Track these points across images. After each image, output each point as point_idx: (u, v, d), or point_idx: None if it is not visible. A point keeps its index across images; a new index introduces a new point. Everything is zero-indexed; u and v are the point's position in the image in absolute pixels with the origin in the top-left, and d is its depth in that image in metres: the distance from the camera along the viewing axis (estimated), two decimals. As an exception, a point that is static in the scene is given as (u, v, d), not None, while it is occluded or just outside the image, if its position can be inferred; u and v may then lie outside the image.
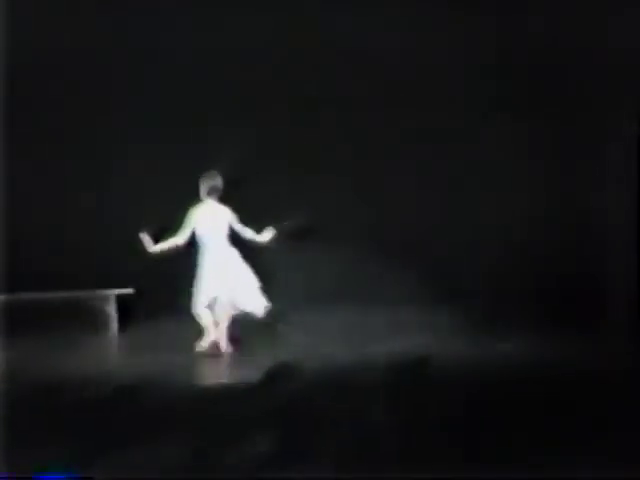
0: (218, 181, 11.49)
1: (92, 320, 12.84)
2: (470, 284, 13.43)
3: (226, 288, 11.24)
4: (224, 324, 11.21)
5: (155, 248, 11.33)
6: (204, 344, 11.12)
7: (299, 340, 11.28)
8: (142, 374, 9.39)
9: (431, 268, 13.44)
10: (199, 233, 11.33)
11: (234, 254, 11.34)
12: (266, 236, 11.42)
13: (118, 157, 13.93)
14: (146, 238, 11.33)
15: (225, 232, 11.33)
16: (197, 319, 11.25)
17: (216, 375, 9.37)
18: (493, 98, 13.99)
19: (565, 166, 14.15)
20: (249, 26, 14.12)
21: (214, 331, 11.17)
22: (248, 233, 11.44)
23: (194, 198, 11.89)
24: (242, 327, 11.30)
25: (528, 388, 7.40)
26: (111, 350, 12.25)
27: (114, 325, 12.79)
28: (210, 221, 11.35)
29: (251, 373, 8.07)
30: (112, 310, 12.85)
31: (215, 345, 11.13)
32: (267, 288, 12.04)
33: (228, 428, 6.00)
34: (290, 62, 14.11)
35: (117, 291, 12.86)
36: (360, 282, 13.36)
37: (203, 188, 11.49)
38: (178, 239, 11.32)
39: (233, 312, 11.29)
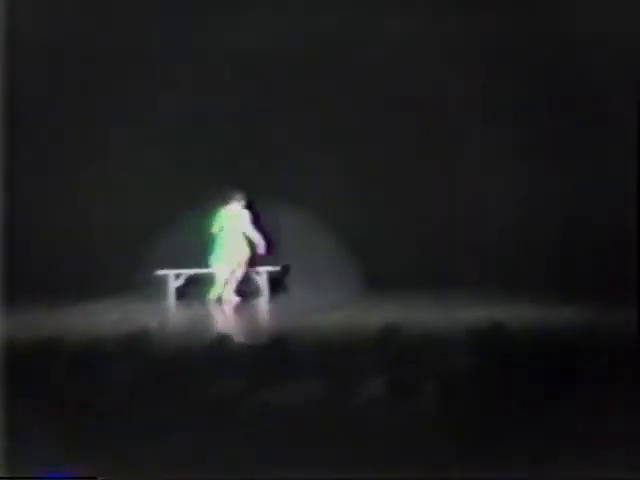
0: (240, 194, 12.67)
1: (250, 289, 13.00)
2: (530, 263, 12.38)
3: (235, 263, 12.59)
4: (232, 286, 12.67)
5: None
6: (214, 295, 12.61)
7: (395, 309, 11.09)
8: (280, 330, 9.53)
9: (494, 250, 12.48)
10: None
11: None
12: (260, 247, 12.72)
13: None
14: None
15: (240, 227, 12.65)
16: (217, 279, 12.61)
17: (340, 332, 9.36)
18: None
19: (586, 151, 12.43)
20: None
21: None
22: (252, 236, 12.73)
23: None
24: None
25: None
26: (263, 313, 12.35)
27: (266, 293, 12.83)
28: (232, 218, 12.63)
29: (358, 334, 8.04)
30: (264, 282, 12.86)
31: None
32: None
33: (350, 374, 5.94)
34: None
35: (268, 268, 12.89)
36: (440, 263, 12.68)
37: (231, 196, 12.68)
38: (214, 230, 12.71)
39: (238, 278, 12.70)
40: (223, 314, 12.02)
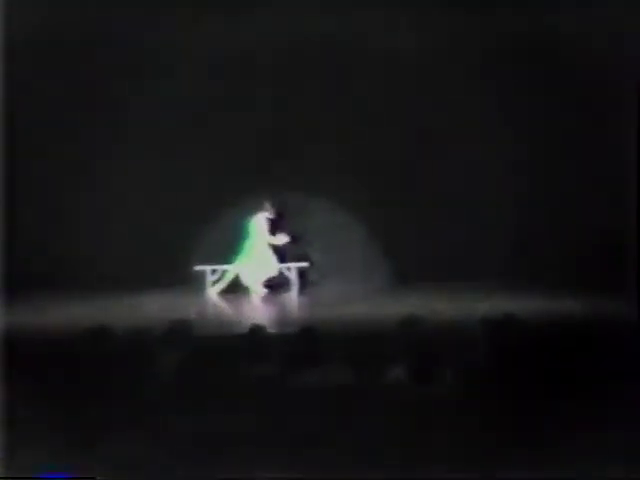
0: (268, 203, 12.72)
1: (280, 284, 13.16)
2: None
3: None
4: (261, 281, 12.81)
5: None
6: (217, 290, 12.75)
7: (416, 301, 11.25)
8: (310, 320, 9.69)
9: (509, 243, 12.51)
10: None
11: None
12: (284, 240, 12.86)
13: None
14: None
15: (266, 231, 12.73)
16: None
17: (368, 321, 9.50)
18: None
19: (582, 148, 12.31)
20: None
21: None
22: (272, 240, 12.84)
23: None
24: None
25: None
26: (294, 304, 12.56)
27: (295, 288, 13.03)
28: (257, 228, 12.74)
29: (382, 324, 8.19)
30: (294, 277, 13.06)
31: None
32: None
33: (374, 361, 6.06)
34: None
35: (297, 264, 13.09)
36: (458, 258, 12.64)
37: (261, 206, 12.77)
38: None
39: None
40: (256, 306, 12.22)
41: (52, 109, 12.79)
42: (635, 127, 11.60)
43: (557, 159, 12.58)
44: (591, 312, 9.45)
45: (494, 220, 12.66)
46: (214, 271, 13.00)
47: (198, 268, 12.98)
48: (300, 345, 6.22)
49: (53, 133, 12.85)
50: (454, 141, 12.86)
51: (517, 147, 12.63)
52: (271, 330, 8.07)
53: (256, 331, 6.71)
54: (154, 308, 11.22)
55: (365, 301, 11.68)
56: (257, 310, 12.09)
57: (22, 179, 12.60)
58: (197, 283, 12.98)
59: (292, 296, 12.81)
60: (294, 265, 13.07)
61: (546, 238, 12.53)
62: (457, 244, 12.79)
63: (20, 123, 12.03)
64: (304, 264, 13.14)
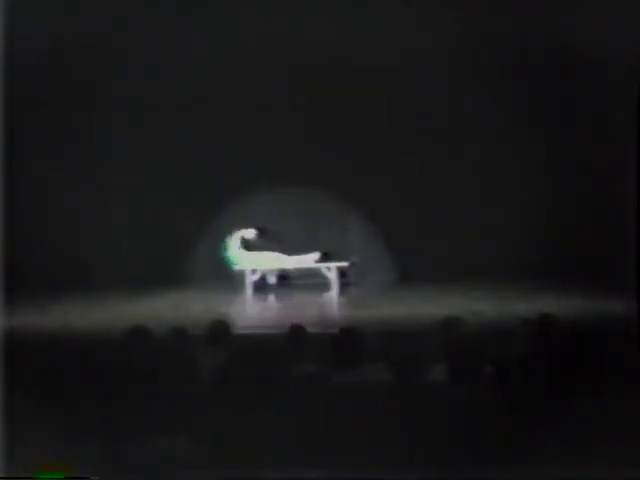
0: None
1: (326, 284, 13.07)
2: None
3: None
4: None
5: None
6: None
7: (454, 301, 11.08)
8: (350, 320, 9.69)
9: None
10: None
11: None
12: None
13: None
14: None
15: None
16: None
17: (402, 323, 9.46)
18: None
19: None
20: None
21: None
22: None
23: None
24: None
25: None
26: (334, 304, 12.50)
27: (335, 288, 12.97)
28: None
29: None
30: (334, 277, 12.99)
31: None
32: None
33: (413, 360, 6.02)
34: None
35: (337, 263, 13.03)
36: (496, 259, 12.52)
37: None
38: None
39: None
40: (294, 306, 12.19)
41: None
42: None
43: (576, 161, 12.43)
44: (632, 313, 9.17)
45: (535, 221, 12.65)
46: (254, 271, 13.01)
47: (238, 268, 12.99)
48: (340, 345, 6.22)
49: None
50: (483, 144, 12.83)
51: (542, 147, 12.51)
52: (311, 330, 8.05)
53: (296, 331, 6.71)
54: (194, 308, 11.19)
55: (404, 302, 11.56)
56: (297, 310, 12.04)
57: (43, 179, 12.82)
58: (237, 283, 12.93)
59: (332, 296, 12.70)
60: (334, 265, 12.98)
61: (584, 238, 12.38)
62: (497, 244, 12.72)
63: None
64: (344, 264, 13.05)
